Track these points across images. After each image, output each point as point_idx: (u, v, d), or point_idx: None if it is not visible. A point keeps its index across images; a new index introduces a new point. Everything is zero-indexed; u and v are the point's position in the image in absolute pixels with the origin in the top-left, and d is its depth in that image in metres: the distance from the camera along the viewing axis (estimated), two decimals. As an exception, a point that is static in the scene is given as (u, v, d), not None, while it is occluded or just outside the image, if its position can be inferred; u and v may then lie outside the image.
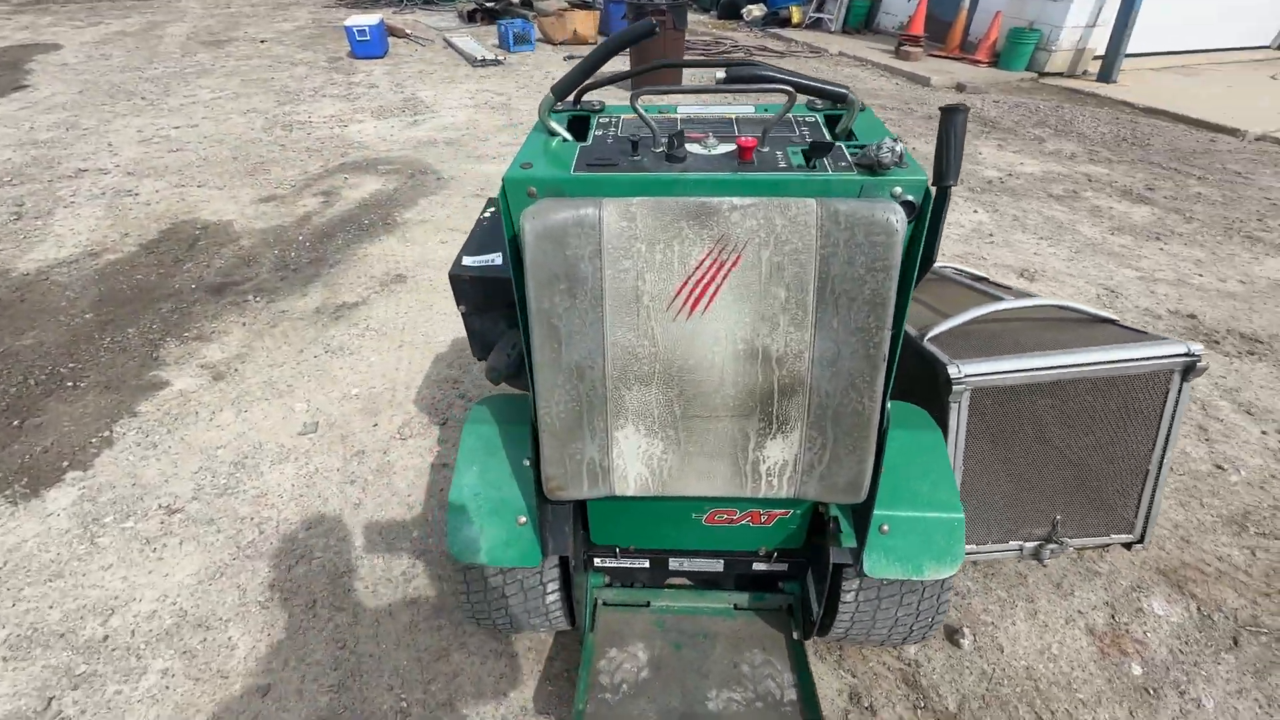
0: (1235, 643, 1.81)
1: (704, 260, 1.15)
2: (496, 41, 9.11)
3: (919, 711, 1.67)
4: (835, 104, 1.39)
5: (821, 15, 10.33)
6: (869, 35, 10.18)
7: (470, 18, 10.62)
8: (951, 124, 1.24)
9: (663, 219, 1.13)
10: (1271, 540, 2.10)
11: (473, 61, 8.14)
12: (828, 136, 1.33)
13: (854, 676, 1.74)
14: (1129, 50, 7.55)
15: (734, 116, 1.46)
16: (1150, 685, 1.72)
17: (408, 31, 9.61)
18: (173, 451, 2.48)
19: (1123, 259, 3.81)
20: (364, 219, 4.28)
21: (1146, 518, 1.78)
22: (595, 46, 1.31)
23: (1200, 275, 3.65)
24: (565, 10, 9.37)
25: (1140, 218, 4.33)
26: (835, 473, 1.26)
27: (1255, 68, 8.58)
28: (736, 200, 1.12)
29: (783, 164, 1.22)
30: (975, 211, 4.39)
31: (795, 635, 1.68)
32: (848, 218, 1.10)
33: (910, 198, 1.16)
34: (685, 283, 1.16)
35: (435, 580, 2.01)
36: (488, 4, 10.32)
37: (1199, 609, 1.89)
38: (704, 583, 1.84)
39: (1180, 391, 1.62)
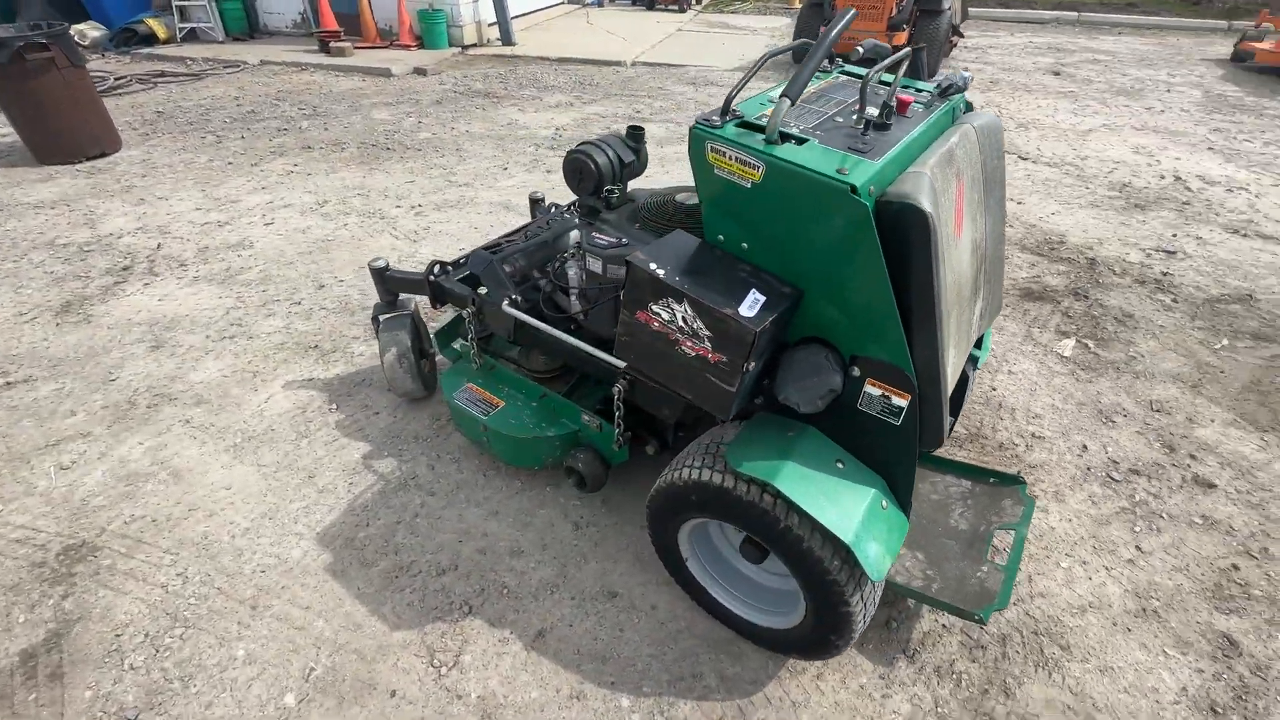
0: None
1: (956, 193, 1.40)
2: None
3: (984, 446, 2.49)
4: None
5: (196, 25, 8.71)
6: (264, 39, 9.22)
7: None
8: (919, 59, 1.76)
9: (942, 170, 1.32)
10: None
11: None
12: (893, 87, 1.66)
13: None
14: (494, 18, 9.14)
15: (818, 90, 1.61)
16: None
17: None
18: None
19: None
20: None
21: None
22: (814, 47, 1.25)
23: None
24: None
25: (653, 129, 5.82)
26: (992, 304, 1.77)
27: (572, 18, 11.63)
28: (954, 139, 1.40)
29: (919, 108, 1.52)
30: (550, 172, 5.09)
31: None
32: (988, 128, 1.52)
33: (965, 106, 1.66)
34: (956, 214, 1.40)
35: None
36: None
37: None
38: None
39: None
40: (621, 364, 1.70)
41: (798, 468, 1.43)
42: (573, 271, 2.02)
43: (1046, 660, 1.80)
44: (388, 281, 2.44)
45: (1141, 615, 1.91)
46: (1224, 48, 9.54)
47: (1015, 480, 2.05)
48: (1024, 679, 1.75)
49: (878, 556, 1.38)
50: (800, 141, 1.29)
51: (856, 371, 1.39)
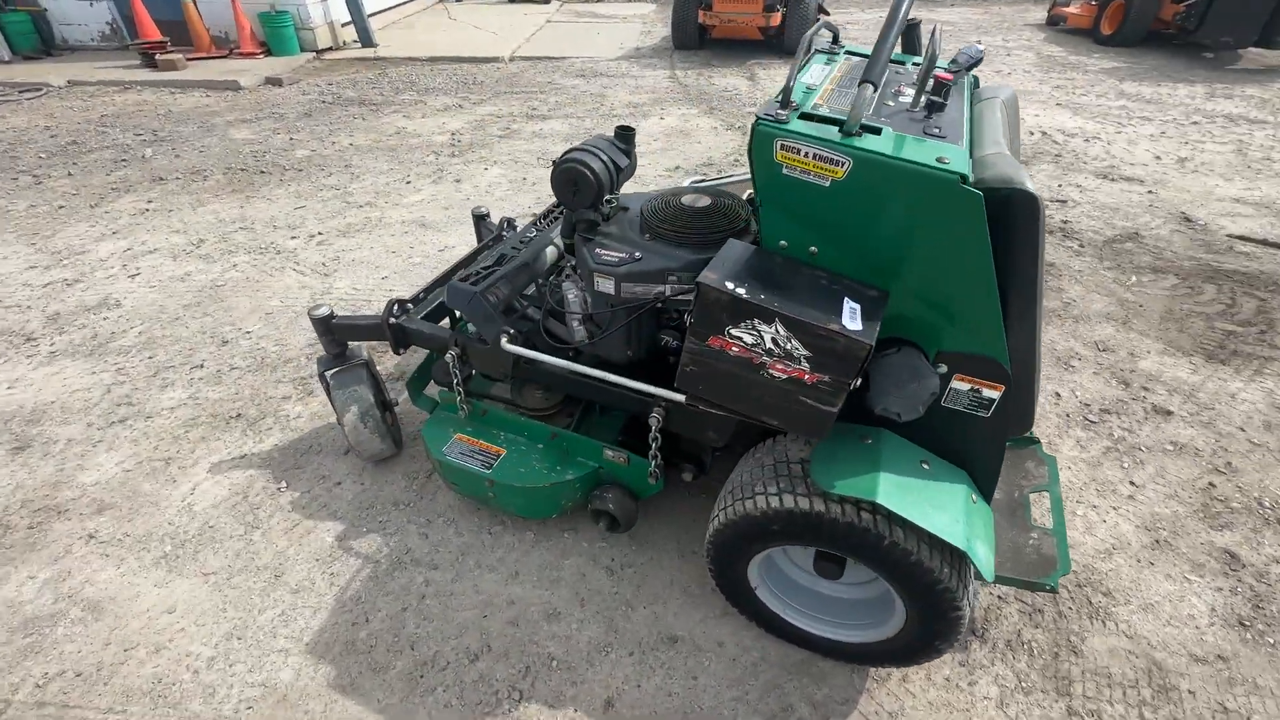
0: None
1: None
2: None
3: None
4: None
5: (-28, 43, 7.20)
6: (65, 56, 7.82)
7: None
8: (914, 33, 1.71)
9: (1010, 149, 1.26)
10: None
11: None
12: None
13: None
14: (347, 18, 8.36)
15: (842, 74, 1.50)
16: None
17: None
18: None
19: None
20: None
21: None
22: (886, 28, 1.11)
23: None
24: None
25: (556, 126, 5.55)
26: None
27: (432, 15, 10.93)
28: (998, 115, 1.35)
29: (953, 84, 1.45)
30: (487, 169, 4.74)
31: None
32: (1010, 102, 1.49)
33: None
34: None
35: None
36: None
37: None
38: None
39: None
40: (676, 395, 1.52)
41: (892, 478, 1.34)
42: (572, 294, 1.80)
43: (1096, 610, 1.86)
44: (335, 330, 2.08)
45: (1156, 547, 2.04)
46: (1039, 13, 10.73)
47: (1030, 441, 2.10)
48: (1085, 634, 1.80)
49: (986, 555, 1.33)
50: (874, 131, 1.17)
51: (944, 368, 1.31)
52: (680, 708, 1.64)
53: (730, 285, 1.18)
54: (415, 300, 2.11)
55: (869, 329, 1.13)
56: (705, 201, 1.72)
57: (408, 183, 4.51)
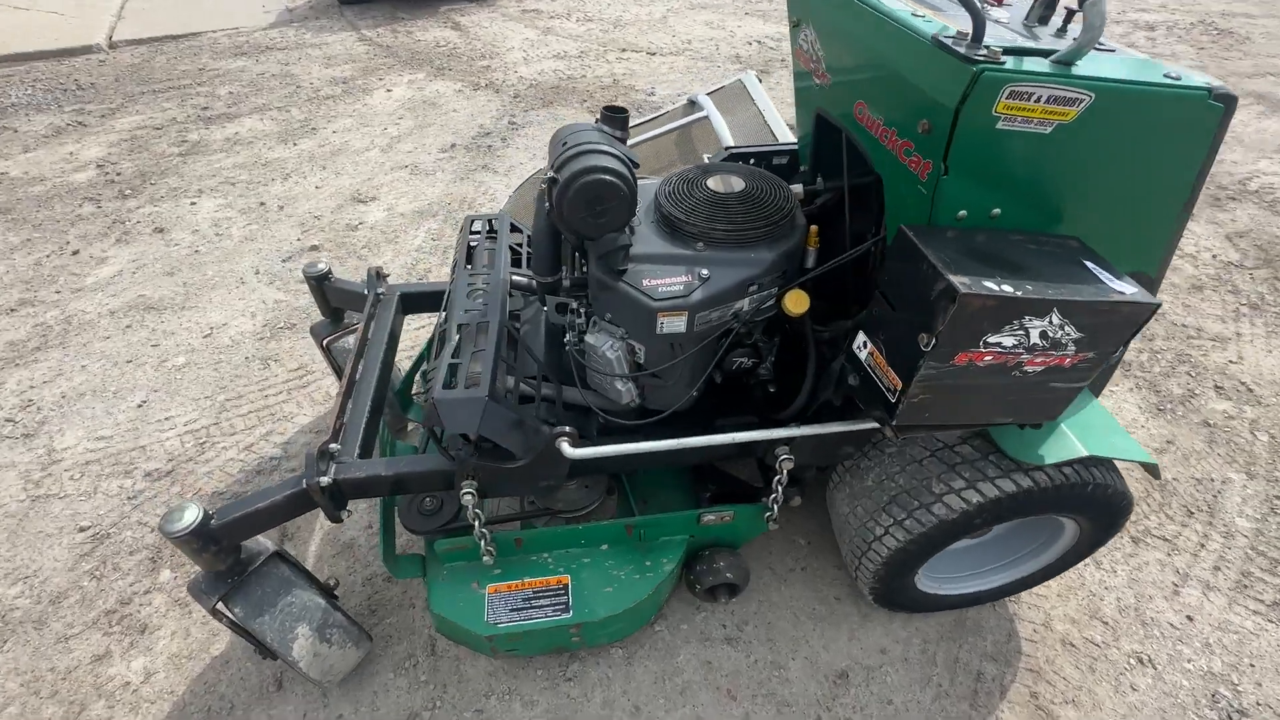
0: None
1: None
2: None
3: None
4: None
5: None
6: None
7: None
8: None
9: None
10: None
11: None
12: None
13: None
14: None
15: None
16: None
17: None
18: None
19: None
20: None
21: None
22: None
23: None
24: None
25: (256, 125, 4.23)
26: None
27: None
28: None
29: None
30: (194, 203, 3.39)
31: None
32: None
33: None
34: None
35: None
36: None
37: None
38: None
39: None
40: (825, 428, 1.22)
41: (1074, 426, 1.28)
42: (609, 349, 1.33)
43: (1087, 447, 2.15)
44: (222, 534, 1.25)
45: (1079, 375, 2.42)
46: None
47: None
48: (1096, 471, 2.07)
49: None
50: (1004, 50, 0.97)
51: (1095, 296, 1.25)
52: (900, 743, 1.47)
53: (991, 286, 0.91)
54: (336, 437, 1.38)
55: (1139, 287, 0.99)
56: (739, 183, 1.37)
57: (75, 254, 3.01)
